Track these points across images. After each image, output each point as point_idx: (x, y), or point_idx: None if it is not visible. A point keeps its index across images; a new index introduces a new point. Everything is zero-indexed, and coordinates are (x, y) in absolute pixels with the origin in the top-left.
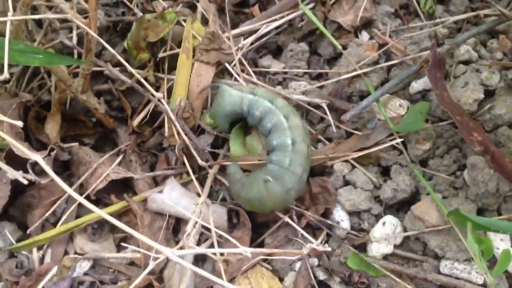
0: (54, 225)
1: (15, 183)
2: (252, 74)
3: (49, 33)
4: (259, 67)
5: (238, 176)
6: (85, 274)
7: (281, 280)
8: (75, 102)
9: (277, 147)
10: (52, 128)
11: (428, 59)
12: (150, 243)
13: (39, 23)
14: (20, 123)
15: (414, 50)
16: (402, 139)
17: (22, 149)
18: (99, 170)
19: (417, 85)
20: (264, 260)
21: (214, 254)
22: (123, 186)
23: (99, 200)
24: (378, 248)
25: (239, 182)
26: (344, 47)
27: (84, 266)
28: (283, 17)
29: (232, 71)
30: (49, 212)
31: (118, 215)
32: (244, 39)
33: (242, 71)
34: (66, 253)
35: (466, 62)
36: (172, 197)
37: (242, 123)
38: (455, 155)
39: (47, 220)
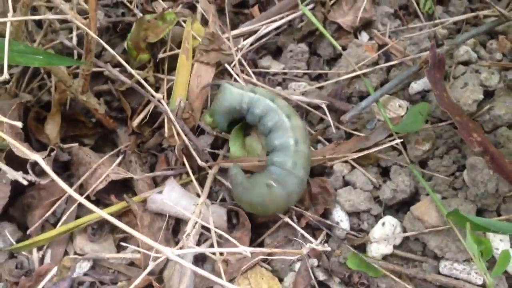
0: (54, 225)
1: (15, 184)
2: (252, 74)
3: (49, 34)
4: (259, 68)
5: (239, 179)
6: (85, 274)
7: (281, 280)
8: (75, 102)
9: (278, 147)
10: (52, 129)
11: (427, 60)
12: (150, 243)
13: (39, 23)
14: (20, 124)
15: (413, 50)
16: (401, 140)
17: (22, 149)
18: (99, 170)
19: (416, 86)
20: (264, 261)
21: (214, 254)
22: (123, 187)
23: (99, 200)
24: (378, 248)
25: (241, 185)
26: (344, 48)
27: (84, 266)
28: (282, 17)
29: (232, 72)
30: (49, 212)
31: (118, 215)
32: (244, 40)
33: (242, 71)
34: (66, 253)
35: (466, 63)
36: (172, 198)
37: (242, 123)
38: (455, 155)
39: (47, 220)
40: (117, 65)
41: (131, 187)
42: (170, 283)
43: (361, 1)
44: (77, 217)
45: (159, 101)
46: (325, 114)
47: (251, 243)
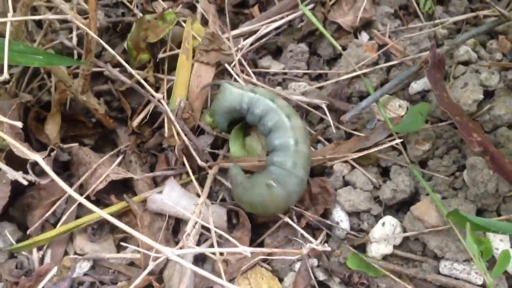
0: (54, 225)
1: (15, 184)
2: (252, 74)
3: (49, 34)
4: (259, 68)
5: (239, 179)
6: (85, 274)
7: (281, 280)
8: (75, 102)
9: (278, 147)
10: (52, 129)
11: (427, 60)
12: (150, 242)
13: (39, 23)
14: (19, 124)
15: (413, 50)
16: (401, 140)
17: (22, 149)
18: (99, 170)
19: (416, 86)
20: (264, 261)
21: (214, 254)
22: (123, 187)
23: (99, 200)
24: (378, 248)
25: (241, 185)
26: (344, 48)
27: (84, 266)
28: (282, 17)
29: (232, 72)
30: (49, 212)
31: (118, 215)
32: (244, 40)
33: (242, 71)
34: (66, 253)
35: (466, 63)
36: (172, 198)
37: (242, 124)
38: (455, 155)
39: (47, 220)
40: (117, 65)
41: (131, 187)
42: (170, 283)
43: (361, 1)
44: (77, 217)
45: (159, 101)
46: (325, 114)
47: (251, 243)
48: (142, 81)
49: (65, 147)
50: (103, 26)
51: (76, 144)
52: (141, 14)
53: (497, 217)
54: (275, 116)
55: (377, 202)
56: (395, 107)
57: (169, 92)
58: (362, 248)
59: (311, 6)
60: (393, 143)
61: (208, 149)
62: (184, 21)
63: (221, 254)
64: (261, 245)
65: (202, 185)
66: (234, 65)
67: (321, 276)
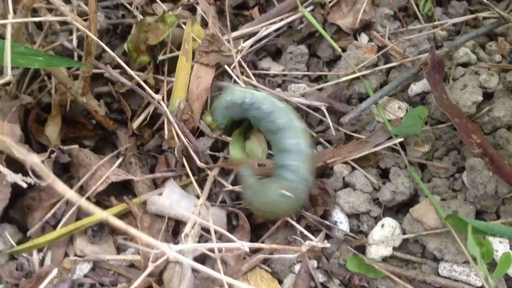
0: (54, 227)
1: (15, 185)
2: (252, 76)
3: (49, 36)
4: (259, 70)
5: (251, 181)
6: (85, 276)
7: (281, 282)
8: (75, 104)
9: (289, 148)
10: (52, 131)
11: (427, 62)
12: (148, 239)
13: (39, 25)
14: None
15: (413, 52)
16: (401, 139)
17: (20, 152)
18: (99, 172)
19: (416, 88)
20: (264, 262)
21: (213, 252)
22: (123, 188)
23: (99, 202)
24: (377, 250)
25: (252, 189)
26: (343, 50)
27: (84, 268)
28: (282, 19)
29: (232, 73)
30: (49, 214)
31: (118, 217)
32: (244, 42)
33: (242, 73)
34: (66, 255)
35: (465, 65)
36: (172, 200)
37: (242, 128)
38: (454, 157)
39: (47, 222)
40: (117, 66)
41: (131, 189)
42: (170, 285)
43: (360, 3)
44: (77, 218)
45: (158, 102)
46: (324, 115)
47: None
48: (142, 83)
49: (65, 149)
50: (103, 28)
51: (76, 146)
52: (141, 16)
53: (496, 219)
54: (285, 116)
55: (377, 203)
56: (394, 109)
57: (169, 93)
58: (361, 250)
59: (310, 8)
60: (391, 143)
61: (207, 151)
62: (184, 23)
63: (220, 252)
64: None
65: (202, 186)
66: (234, 66)
67: (321, 278)
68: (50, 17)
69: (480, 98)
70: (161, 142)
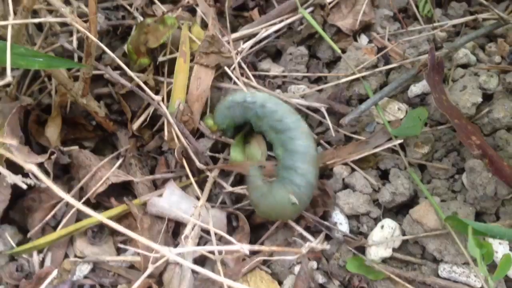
0: (54, 228)
1: (15, 187)
2: (252, 77)
3: (50, 37)
4: (259, 71)
5: (258, 183)
6: (85, 277)
7: (280, 283)
8: (75, 105)
9: (298, 149)
10: (52, 132)
11: (426, 63)
12: (148, 243)
13: (39, 26)
14: (16, 141)
15: (412, 53)
16: (401, 141)
17: (16, 157)
18: (99, 173)
19: (415, 89)
20: (264, 264)
21: (213, 254)
22: (123, 190)
23: (99, 203)
24: (377, 251)
25: (259, 190)
26: (343, 51)
27: (84, 269)
28: (282, 20)
29: (232, 75)
30: (50, 215)
31: (118, 218)
32: (244, 43)
33: (242, 74)
34: (66, 256)
35: (465, 66)
36: (172, 201)
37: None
38: (454, 158)
39: (48, 223)
40: (117, 68)
41: (131, 190)
42: (169, 286)
43: (360, 4)
44: (77, 220)
45: (158, 104)
46: (324, 117)
47: None
48: (142, 84)
49: (65, 150)
50: (103, 29)
51: (76, 147)
52: (141, 17)
53: (496, 220)
54: (291, 115)
55: (377, 205)
56: (394, 110)
57: (169, 95)
58: (361, 251)
59: (310, 9)
60: (391, 144)
61: (208, 153)
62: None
63: (220, 254)
64: None
65: (202, 188)
66: (234, 68)
67: (321, 279)
68: (50, 19)
69: (480, 99)
70: (161, 143)
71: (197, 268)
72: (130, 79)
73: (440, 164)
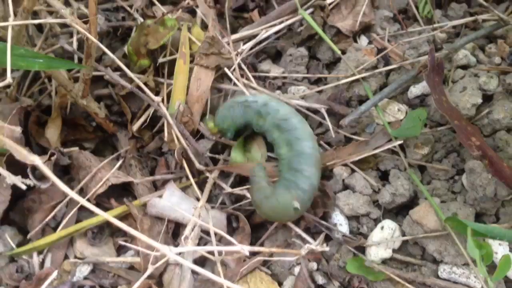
0: (54, 229)
1: (15, 188)
2: (252, 78)
3: (50, 38)
4: (259, 72)
5: (263, 184)
6: (85, 278)
7: (280, 284)
8: (75, 106)
9: (304, 151)
10: (52, 133)
11: (426, 64)
12: (148, 241)
13: (39, 28)
14: (19, 129)
15: (412, 54)
16: (401, 142)
17: (21, 152)
18: (99, 174)
19: (415, 90)
20: (263, 264)
21: (213, 255)
22: (123, 191)
23: (99, 204)
24: (377, 252)
25: (263, 192)
26: (343, 52)
27: (84, 270)
28: (282, 22)
29: (232, 76)
30: (50, 216)
31: (118, 219)
32: (244, 44)
33: (242, 75)
34: (66, 257)
35: (465, 67)
36: (172, 202)
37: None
38: (454, 159)
39: (48, 224)
40: (117, 69)
41: (131, 191)
42: (169, 287)
43: (360, 5)
44: (77, 221)
45: (158, 105)
46: (324, 118)
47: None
48: (142, 85)
49: (65, 151)
50: (103, 30)
51: (76, 148)
52: (141, 19)
53: (496, 221)
54: (295, 115)
55: (376, 205)
56: (394, 111)
57: (169, 96)
58: (361, 252)
59: (310, 10)
60: (391, 145)
61: (207, 154)
62: None
63: (220, 254)
64: None
65: (201, 189)
66: (234, 69)
67: (321, 280)
68: (50, 20)
69: (480, 101)
70: (161, 144)
71: (197, 268)
72: (130, 80)
73: (440, 165)
